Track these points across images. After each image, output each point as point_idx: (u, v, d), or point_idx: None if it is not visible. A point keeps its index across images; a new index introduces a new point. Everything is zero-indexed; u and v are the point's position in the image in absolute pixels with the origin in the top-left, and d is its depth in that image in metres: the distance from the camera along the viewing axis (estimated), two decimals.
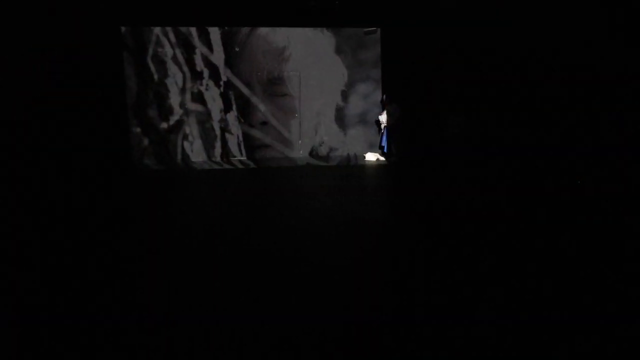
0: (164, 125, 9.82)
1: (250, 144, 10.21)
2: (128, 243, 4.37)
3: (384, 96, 10.13)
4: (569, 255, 3.72)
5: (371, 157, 10.20)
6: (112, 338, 2.51)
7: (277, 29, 9.99)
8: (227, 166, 9.69)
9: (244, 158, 10.14)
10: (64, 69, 8.48)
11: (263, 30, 9.98)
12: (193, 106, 9.91)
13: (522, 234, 4.34)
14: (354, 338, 2.47)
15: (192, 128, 9.93)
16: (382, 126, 10.12)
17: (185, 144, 9.95)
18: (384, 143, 10.07)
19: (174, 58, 9.75)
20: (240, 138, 10.13)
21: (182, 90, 9.83)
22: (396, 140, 9.96)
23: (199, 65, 9.85)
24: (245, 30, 9.91)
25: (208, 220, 5.14)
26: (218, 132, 10.04)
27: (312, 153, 10.38)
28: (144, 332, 2.58)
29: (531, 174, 7.64)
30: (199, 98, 9.91)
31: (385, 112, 10.05)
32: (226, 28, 9.78)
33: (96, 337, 2.52)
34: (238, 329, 2.58)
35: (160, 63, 9.71)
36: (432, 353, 2.32)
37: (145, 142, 9.81)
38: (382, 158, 10.10)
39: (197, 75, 9.85)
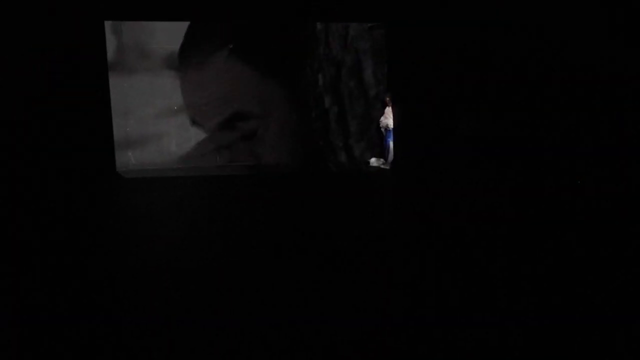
0: None
1: None
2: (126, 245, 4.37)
3: (387, 97, 9.56)
4: (571, 256, 3.72)
5: (375, 162, 9.59)
6: (112, 338, 2.51)
7: None
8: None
9: None
10: (57, 68, 8.15)
11: None
12: None
13: (526, 235, 4.34)
14: (364, 340, 2.47)
15: None
16: (386, 129, 9.41)
17: None
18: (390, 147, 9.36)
19: None
20: None
21: None
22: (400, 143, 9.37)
23: None
24: None
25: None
26: None
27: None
28: (144, 333, 2.58)
29: (531, 175, 7.63)
30: None
31: (389, 114, 9.39)
32: None
33: (96, 337, 2.51)
34: (246, 331, 2.57)
35: None
36: (444, 355, 2.32)
37: None
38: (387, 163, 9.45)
39: None
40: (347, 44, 9.80)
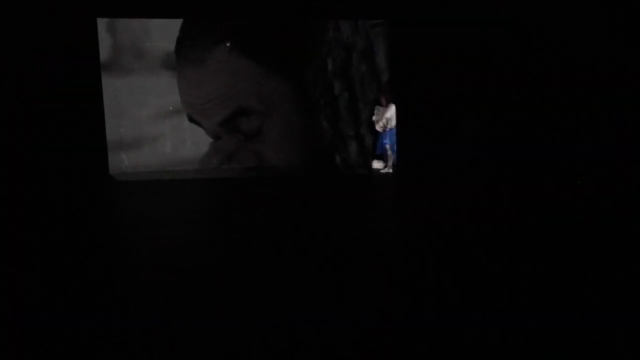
0: None
1: None
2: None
3: (382, 96, 9.16)
4: (571, 256, 3.72)
5: (377, 165, 9.09)
6: (112, 338, 2.51)
7: None
8: None
9: None
10: (48, 67, 7.96)
11: None
12: None
13: (526, 235, 4.34)
14: (364, 340, 2.46)
15: None
16: (384, 129, 8.96)
17: None
18: (393, 149, 8.94)
19: None
20: None
21: None
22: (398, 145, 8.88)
23: None
24: None
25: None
26: None
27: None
28: (144, 333, 2.58)
29: (531, 175, 7.63)
30: None
31: (389, 112, 8.93)
32: None
33: (96, 337, 2.51)
34: (246, 331, 2.56)
35: None
36: (444, 355, 2.32)
37: None
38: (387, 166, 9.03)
39: None
40: (358, 26, 9.34)
